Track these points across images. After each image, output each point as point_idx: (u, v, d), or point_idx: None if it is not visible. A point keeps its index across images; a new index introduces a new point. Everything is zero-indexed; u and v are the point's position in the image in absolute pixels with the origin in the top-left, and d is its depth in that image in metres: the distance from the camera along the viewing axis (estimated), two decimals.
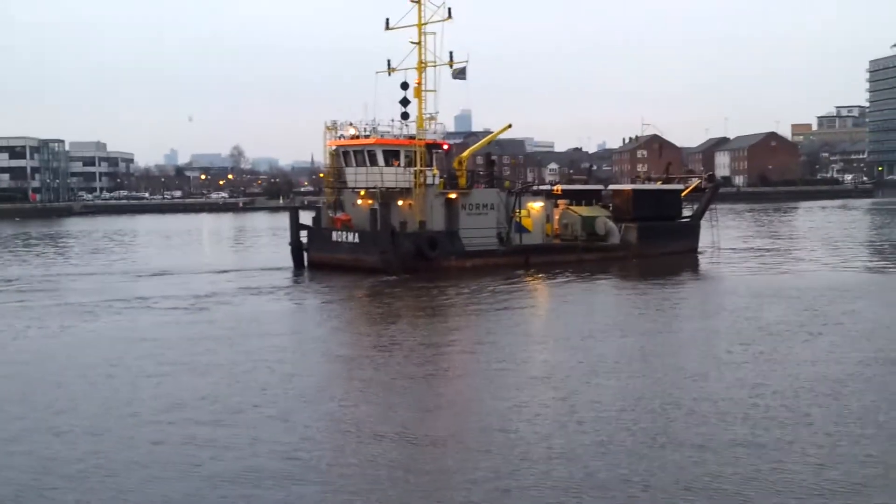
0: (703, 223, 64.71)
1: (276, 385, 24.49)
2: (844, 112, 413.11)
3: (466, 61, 56.16)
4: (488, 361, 27.33)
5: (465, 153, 58.38)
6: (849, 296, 40.08)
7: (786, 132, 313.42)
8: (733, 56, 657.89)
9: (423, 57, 56.00)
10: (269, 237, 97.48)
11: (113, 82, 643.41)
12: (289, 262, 58.27)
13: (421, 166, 53.83)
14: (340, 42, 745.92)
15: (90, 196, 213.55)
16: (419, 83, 56.12)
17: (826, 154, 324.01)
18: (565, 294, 45.01)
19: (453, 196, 53.91)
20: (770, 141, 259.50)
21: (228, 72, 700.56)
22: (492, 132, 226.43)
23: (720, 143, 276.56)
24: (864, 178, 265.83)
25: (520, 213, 55.74)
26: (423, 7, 55.91)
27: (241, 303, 41.91)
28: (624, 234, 59.05)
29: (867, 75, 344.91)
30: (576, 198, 62.05)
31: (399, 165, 54.92)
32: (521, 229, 55.98)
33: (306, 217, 61.14)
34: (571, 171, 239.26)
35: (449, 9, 54.97)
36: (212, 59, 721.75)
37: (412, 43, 56.21)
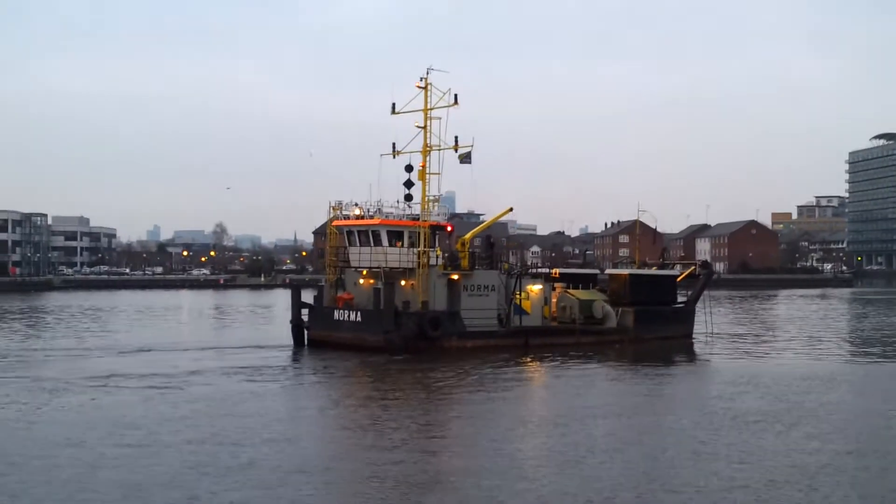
0: (698, 309, 66.39)
1: (236, 471, 24.27)
2: (824, 202, 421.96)
3: (472, 146, 58.28)
4: (475, 447, 28.04)
5: (468, 235, 60.08)
6: (826, 386, 41.24)
7: (766, 220, 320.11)
8: (715, 144, 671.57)
9: (428, 141, 58.07)
10: (253, 314, 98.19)
11: (99, 157, 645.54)
12: (280, 339, 59.74)
13: (425, 247, 55.38)
14: (343, 123, 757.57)
15: (70, 270, 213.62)
16: (423, 166, 58.04)
17: (805, 243, 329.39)
18: (562, 379, 45.82)
19: (455, 277, 55.31)
20: (750, 229, 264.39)
21: (214, 148, 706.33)
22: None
23: (701, 230, 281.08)
24: (844, 268, 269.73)
25: (520, 295, 57.17)
26: (429, 93, 58.21)
27: (221, 381, 41.73)
28: (620, 318, 60.50)
29: (847, 167, 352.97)
30: (572, 281, 63.58)
31: (402, 246, 56.39)
32: (521, 311, 57.31)
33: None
34: (554, 255, 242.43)
35: (455, 95, 57.25)
36: (200, 135, 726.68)
37: (418, 127, 58.32)
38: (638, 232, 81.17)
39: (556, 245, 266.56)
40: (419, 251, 55.27)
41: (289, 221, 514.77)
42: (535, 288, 58.93)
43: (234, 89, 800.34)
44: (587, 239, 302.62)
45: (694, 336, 64.33)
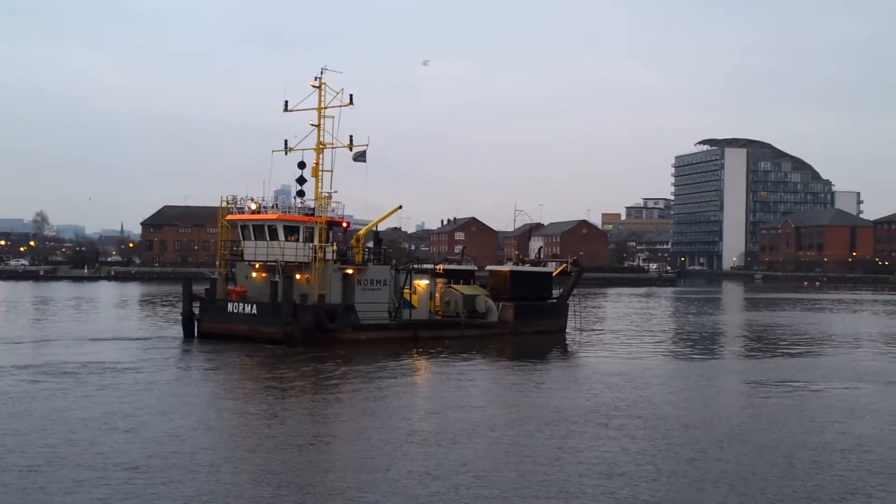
0: (569, 304, 72.35)
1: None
2: (651, 204, 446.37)
3: (366, 145, 62.11)
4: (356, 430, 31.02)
5: (362, 231, 63.88)
6: (653, 382, 44.26)
7: (596, 220, 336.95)
8: (548, 146, 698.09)
9: (321, 138, 61.43)
10: (88, 307, 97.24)
11: None
12: (149, 332, 62.93)
13: (321, 242, 58.68)
14: (178, 114, 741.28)
15: None
16: (317, 163, 61.33)
17: (633, 243, 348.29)
18: (446, 371, 48.44)
19: (350, 271, 58.96)
20: (582, 228, 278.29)
21: (35, 135, 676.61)
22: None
23: (535, 229, 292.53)
24: (668, 268, 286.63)
25: (410, 290, 61.32)
26: (323, 92, 61.57)
27: (37, 377, 41.66)
28: (501, 312, 65.63)
29: (672, 170, 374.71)
30: (453, 277, 68.30)
31: (295, 241, 59.33)
32: (409, 305, 61.44)
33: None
34: (391, 250, 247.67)
35: (350, 95, 60.98)
36: (20, 120, 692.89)
37: (312, 125, 61.59)
38: (515, 229, 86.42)
39: (392, 241, 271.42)
40: (316, 246, 58.50)
41: (115, 212, 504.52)
42: (422, 283, 63.23)
43: (59, 74, 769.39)
44: (423, 235, 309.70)
45: (567, 330, 70.27)
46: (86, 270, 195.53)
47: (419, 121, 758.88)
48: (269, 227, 59.17)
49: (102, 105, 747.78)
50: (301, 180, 61.86)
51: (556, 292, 72.46)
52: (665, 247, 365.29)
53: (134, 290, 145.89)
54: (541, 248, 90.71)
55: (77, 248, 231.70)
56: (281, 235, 58.91)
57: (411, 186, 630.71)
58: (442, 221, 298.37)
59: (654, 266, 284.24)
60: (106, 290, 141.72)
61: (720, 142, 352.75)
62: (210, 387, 41.53)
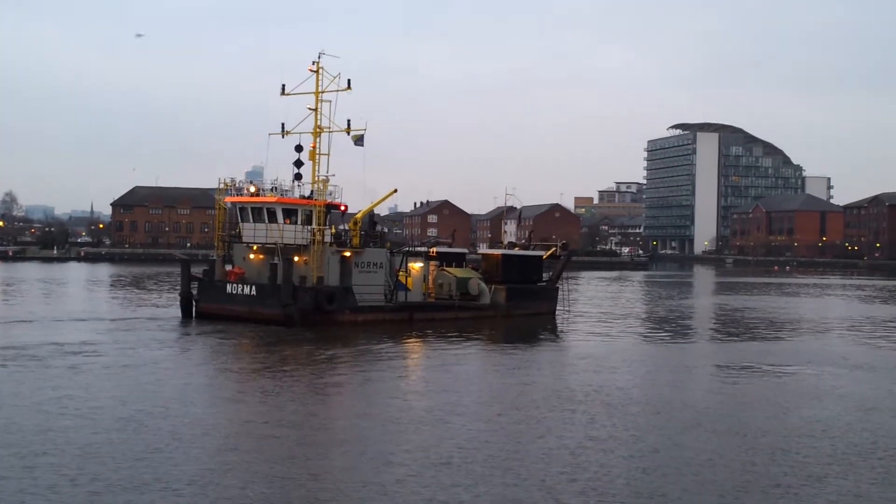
0: (558, 287, 74.34)
1: None
2: (624, 188, 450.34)
3: (364, 129, 63.54)
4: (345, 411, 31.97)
5: (360, 214, 65.37)
6: (615, 364, 44.66)
7: (569, 204, 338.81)
8: (522, 129, 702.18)
9: (318, 122, 62.79)
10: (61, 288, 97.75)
11: None
12: (147, 312, 64.14)
13: (319, 225, 60.18)
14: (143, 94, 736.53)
15: None
16: (314, 147, 62.72)
17: (605, 227, 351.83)
18: (435, 353, 49.16)
19: (348, 254, 60.54)
20: (554, 212, 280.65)
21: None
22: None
23: (508, 212, 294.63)
24: (640, 252, 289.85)
25: (405, 272, 63.00)
26: (321, 77, 62.90)
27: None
28: (493, 295, 67.55)
29: (645, 154, 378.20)
30: (445, 260, 70.07)
31: (293, 223, 60.75)
32: (404, 287, 63.16)
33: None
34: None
35: (348, 80, 62.34)
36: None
37: (310, 109, 62.91)
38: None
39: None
40: (314, 229, 59.99)
41: (85, 192, 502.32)
42: (417, 266, 64.91)
43: (24, 48, 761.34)
44: (396, 218, 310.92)
45: (556, 312, 72.20)
46: (55, 251, 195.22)
47: (391, 103, 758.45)
48: (267, 209, 60.56)
49: (75, 84, 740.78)
50: (298, 163, 63.24)
51: (545, 275, 74.47)
52: (637, 231, 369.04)
53: (105, 270, 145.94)
54: (532, 231, 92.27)
55: (46, 229, 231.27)
56: (280, 218, 60.33)
57: (383, 168, 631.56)
58: (415, 204, 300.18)
59: (626, 250, 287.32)
60: (77, 271, 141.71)
61: (692, 126, 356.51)
62: (201, 367, 42.25)
